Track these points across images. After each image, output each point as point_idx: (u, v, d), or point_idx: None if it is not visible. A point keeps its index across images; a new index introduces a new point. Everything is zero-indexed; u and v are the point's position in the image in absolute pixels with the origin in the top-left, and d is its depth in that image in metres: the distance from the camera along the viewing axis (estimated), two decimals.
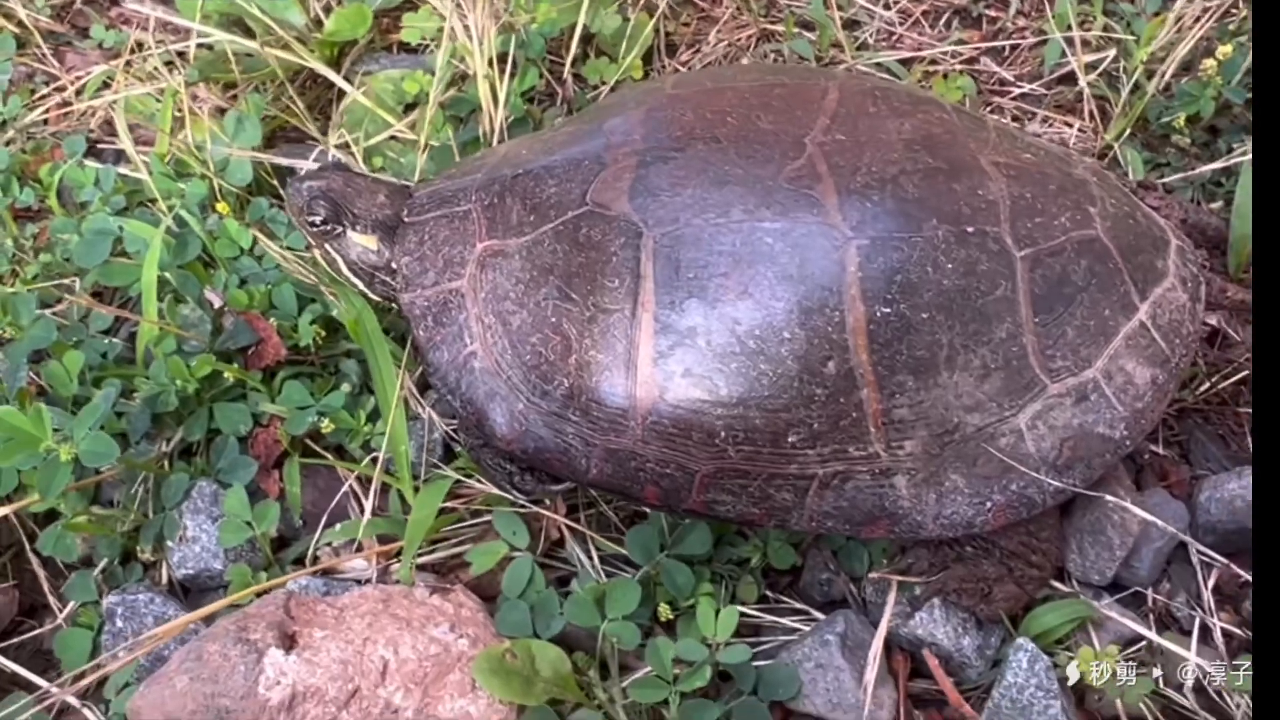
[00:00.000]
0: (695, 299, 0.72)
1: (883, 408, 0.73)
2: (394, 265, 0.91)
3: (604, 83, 1.29)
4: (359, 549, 0.98)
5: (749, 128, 0.78)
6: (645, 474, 0.78)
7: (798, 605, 0.94)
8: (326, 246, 0.95)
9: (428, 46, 1.37)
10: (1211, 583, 0.93)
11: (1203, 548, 0.94)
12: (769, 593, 0.95)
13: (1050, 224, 0.76)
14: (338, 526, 0.97)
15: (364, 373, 1.07)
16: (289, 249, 1.16)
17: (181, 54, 1.36)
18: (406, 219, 0.89)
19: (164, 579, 0.96)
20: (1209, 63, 1.15)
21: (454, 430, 1.02)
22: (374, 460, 1.00)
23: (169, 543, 0.95)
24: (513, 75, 1.24)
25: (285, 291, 1.10)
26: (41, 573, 1.00)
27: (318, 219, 0.92)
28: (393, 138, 1.27)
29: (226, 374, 1.03)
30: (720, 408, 0.74)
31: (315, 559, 0.97)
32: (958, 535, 0.79)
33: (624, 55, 1.30)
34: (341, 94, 1.31)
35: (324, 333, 1.08)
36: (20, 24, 1.44)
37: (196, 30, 1.30)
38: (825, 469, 0.75)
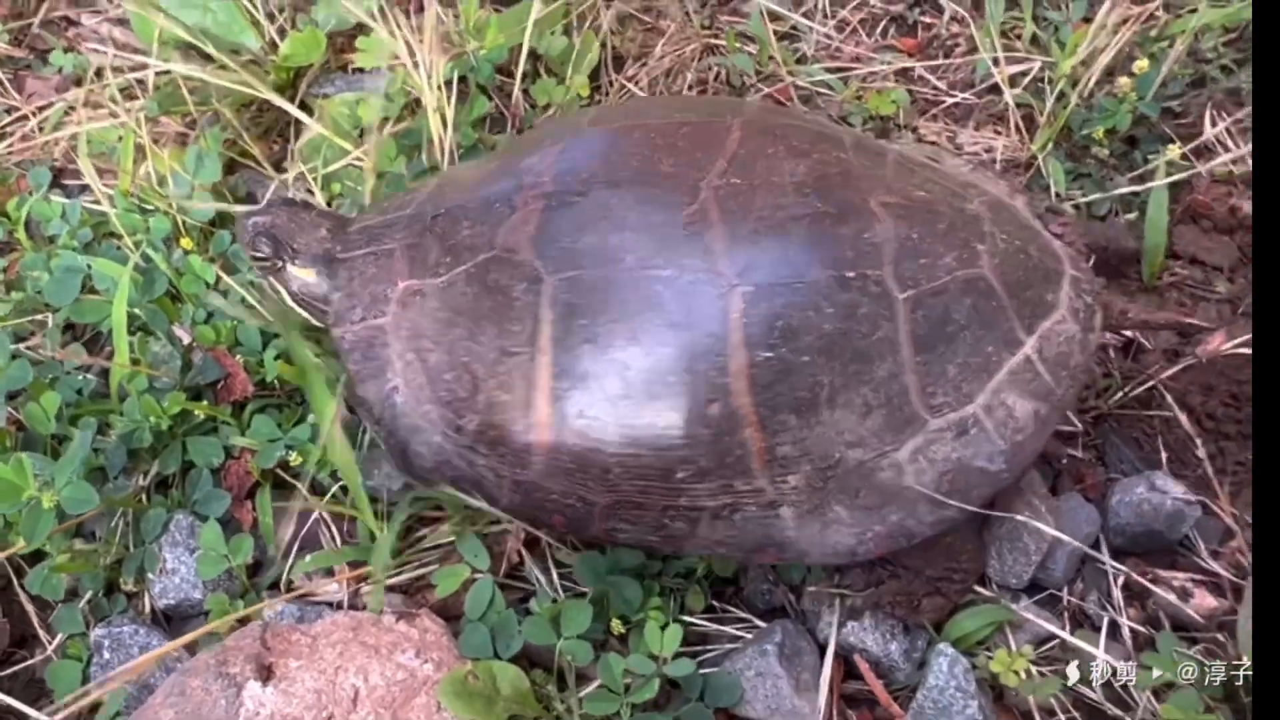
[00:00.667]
0: (588, 344, 0.77)
1: (765, 446, 0.77)
2: (329, 298, 0.96)
3: (553, 103, 1.34)
4: (330, 573, 1.04)
5: (649, 172, 0.81)
6: (551, 504, 0.83)
7: (741, 614, 1.01)
8: (271, 279, 1.00)
9: (381, 69, 1.40)
10: (1120, 581, 1.00)
11: (1105, 557, 1.01)
12: (715, 602, 1.02)
13: (935, 264, 0.79)
14: (308, 557, 1.02)
15: None
16: (251, 283, 1.21)
17: (141, 81, 1.39)
18: (339, 255, 0.94)
19: (146, 609, 1.02)
20: (1124, 80, 1.20)
21: None
22: (343, 489, 1.05)
23: (150, 575, 1.00)
24: (462, 102, 1.28)
25: (249, 327, 1.14)
26: (30, 606, 1.06)
27: (260, 254, 0.97)
28: (351, 165, 1.31)
29: (197, 410, 1.08)
30: (612, 447, 0.78)
31: (290, 585, 1.03)
32: (841, 563, 0.84)
33: (571, 75, 1.34)
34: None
35: (289, 366, 1.13)
36: None
37: (152, 62, 1.33)
38: (714, 502, 0.80)
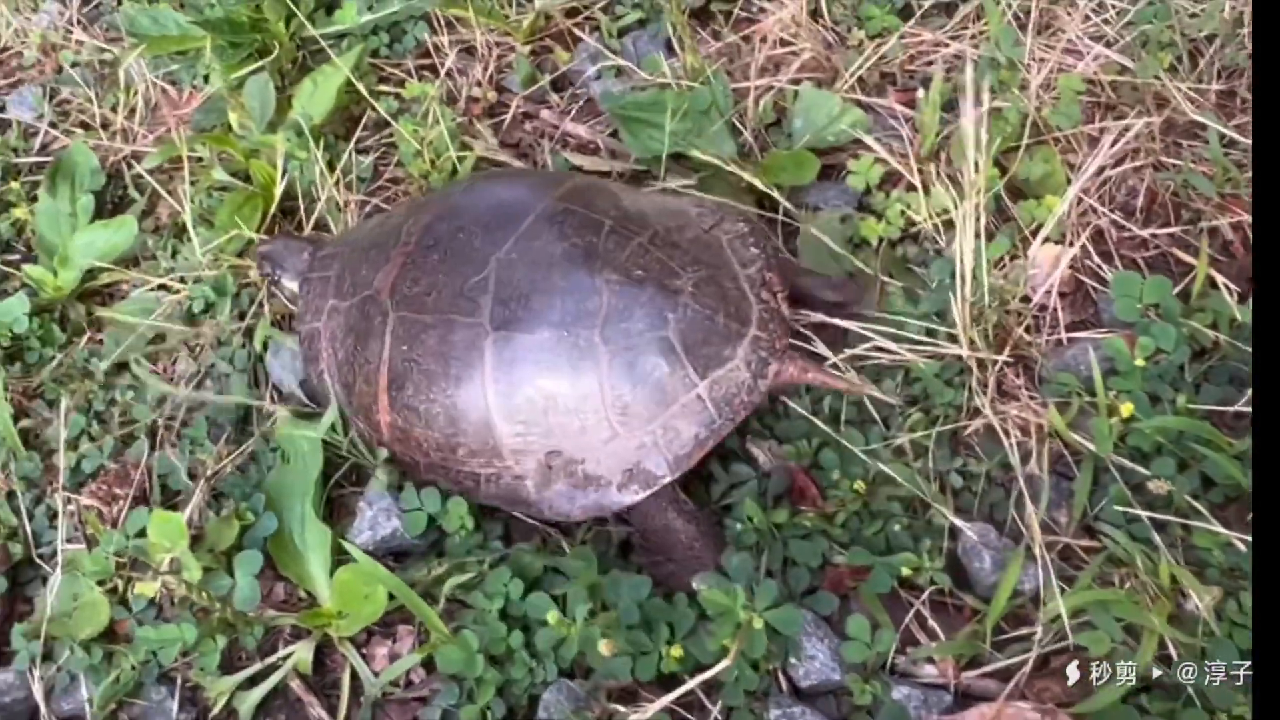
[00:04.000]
0: (406, 362, 1.15)
1: (508, 440, 1.14)
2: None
3: (1034, 220, 1.40)
4: (930, 660, 1.22)
5: (467, 244, 1.19)
6: (397, 459, 1.22)
7: None
8: (274, 289, 1.39)
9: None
10: None
11: None
12: None
13: (631, 327, 1.13)
14: (914, 650, 1.14)
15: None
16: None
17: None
18: (307, 275, 1.33)
19: (785, 687, 1.22)
20: None
21: None
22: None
23: (792, 659, 1.20)
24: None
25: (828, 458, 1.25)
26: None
27: (263, 271, 1.37)
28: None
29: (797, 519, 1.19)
30: (419, 430, 1.16)
31: (894, 668, 1.23)
32: (559, 521, 1.18)
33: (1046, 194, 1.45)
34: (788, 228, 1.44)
35: None
36: None
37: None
38: (484, 471, 1.16)
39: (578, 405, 1.14)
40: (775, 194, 1.41)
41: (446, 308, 1.18)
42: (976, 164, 1.14)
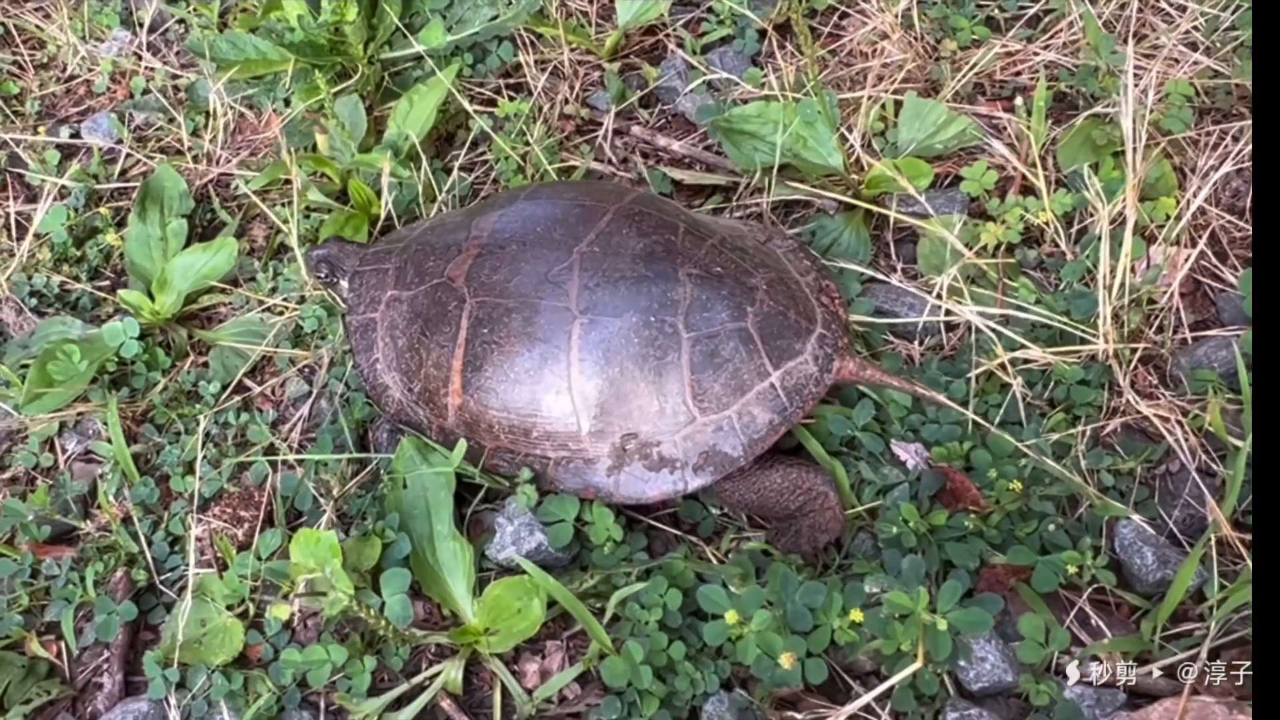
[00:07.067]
0: (486, 344, 1.17)
1: (587, 423, 1.15)
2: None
3: (1151, 221, 1.37)
4: (1096, 658, 1.21)
5: (546, 236, 1.22)
6: (459, 444, 1.21)
7: None
8: (330, 291, 1.38)
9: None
10: None
11: None
12: None
13: (714, 317, 1.17)
14: (1080, 649, 1.12)
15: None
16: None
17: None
18: (357, 269, 1.33)
19: (951, 691, 1.20)
20: None
21: None
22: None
23: (962, 662, 1.19)
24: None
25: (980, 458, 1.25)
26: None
27: (321, 274, 1.36)
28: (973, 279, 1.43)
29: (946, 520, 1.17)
30: (493, 411, 1.17)
31: (1058, 668, 1.21)
32: (631, 504, 1.19)
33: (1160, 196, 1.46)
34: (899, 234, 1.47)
35: None
36: None
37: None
38: (555, 454, 1.19)
39: (659, 389, 1.16)
40: (888, 201, 1.42)
41: (531, 292, 1.19)
42: (1135, 168, 1.14)
